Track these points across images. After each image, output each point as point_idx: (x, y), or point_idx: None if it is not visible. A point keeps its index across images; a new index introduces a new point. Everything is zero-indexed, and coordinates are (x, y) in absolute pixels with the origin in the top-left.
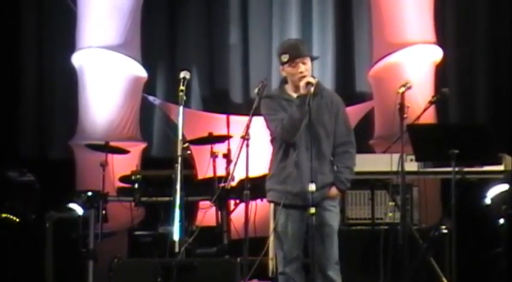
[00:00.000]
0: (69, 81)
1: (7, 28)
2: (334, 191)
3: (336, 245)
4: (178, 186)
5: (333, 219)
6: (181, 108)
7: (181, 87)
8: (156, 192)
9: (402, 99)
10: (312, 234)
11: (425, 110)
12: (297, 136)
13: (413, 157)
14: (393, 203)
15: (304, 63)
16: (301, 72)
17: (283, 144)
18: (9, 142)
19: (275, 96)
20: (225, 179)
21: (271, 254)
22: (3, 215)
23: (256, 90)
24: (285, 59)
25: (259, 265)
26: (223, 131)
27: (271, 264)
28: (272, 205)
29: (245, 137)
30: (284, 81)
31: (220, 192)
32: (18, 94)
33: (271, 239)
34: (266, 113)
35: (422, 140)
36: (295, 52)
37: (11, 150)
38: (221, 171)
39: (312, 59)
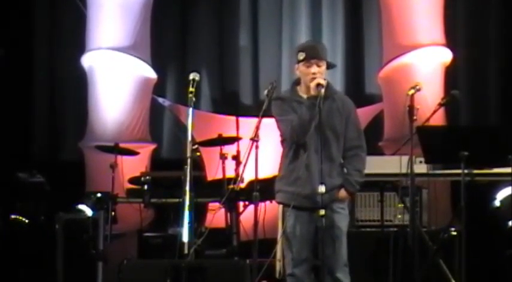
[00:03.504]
0: (80, 82)
1: (19, 30)
2: (343, 193)
3: (344, 247)
4: (187, 188)
5: (342, 221)
6: (190, 109)
7: (191, 89)
8: (166, 193)
9: (412, 101)
10: (321, 236)
11: (434, 112)
12: (306, 138)
13: (422, 159)
14: (402, 205)
15: (318, 66)
16: (313, 74)
17: (293, 146)
18: (19, 143)
19: (286, 97)
20: (234, 180)
21: (278, 255)
22: (13, 217)
23: (265, 92)
24: (301, 57)
25: (268, 267)
26: (232, 133)
27: (278, 266)
28: (281, 207)
29: (254, 139)
30: (296, 82)
31: (230, 193)
32: (29, 95)
33: (280, 240)
34: (277, 114)
35: (432, 142)
36: (312, 52)
37: (21, 151)
38: (230, 173)
39: (329, 66)
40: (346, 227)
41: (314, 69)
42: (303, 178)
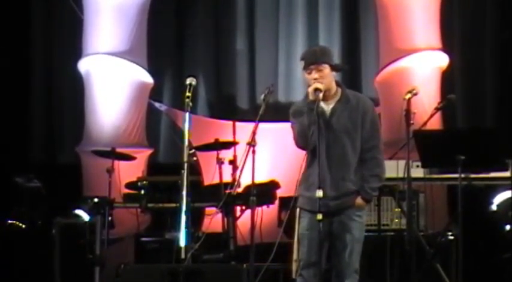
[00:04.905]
0: (77, 87)
1: (16, 35)
2: (359, 201)
3: (356, 254)
4: (184, 192)
5: (356, 228)
6: (187, 114)
7: (187, 94)
8: (163, 198)
9: (408, 105)
10: (321, 239)
11: (431, 116)
12: (314, 143)
13: (419, 163)
14: (399, 209)
15: (319, 70)
16: (315, 79)
17: (309, 152)
18: (17, 148)
19: (300, 103)
20: (231, 185)
21: (295, 256)
22: (10, 222)
23: (262, 97)
24: (302, 65)
25: (265, 271)
26: (229, 137)
27: (294, 266)
28: (298, 210)
29: (251, 144)
30: None
31: (227, 198)
32: (26, 100)
33: (296, 241)
34: (291, 120)
35: (429, 146)
36: (309, 59)
37: (18, 155)
38: (227, 178)
39: (334, 68)
40: (360, 235)
41: (314, 75)
42: (316, 183)
